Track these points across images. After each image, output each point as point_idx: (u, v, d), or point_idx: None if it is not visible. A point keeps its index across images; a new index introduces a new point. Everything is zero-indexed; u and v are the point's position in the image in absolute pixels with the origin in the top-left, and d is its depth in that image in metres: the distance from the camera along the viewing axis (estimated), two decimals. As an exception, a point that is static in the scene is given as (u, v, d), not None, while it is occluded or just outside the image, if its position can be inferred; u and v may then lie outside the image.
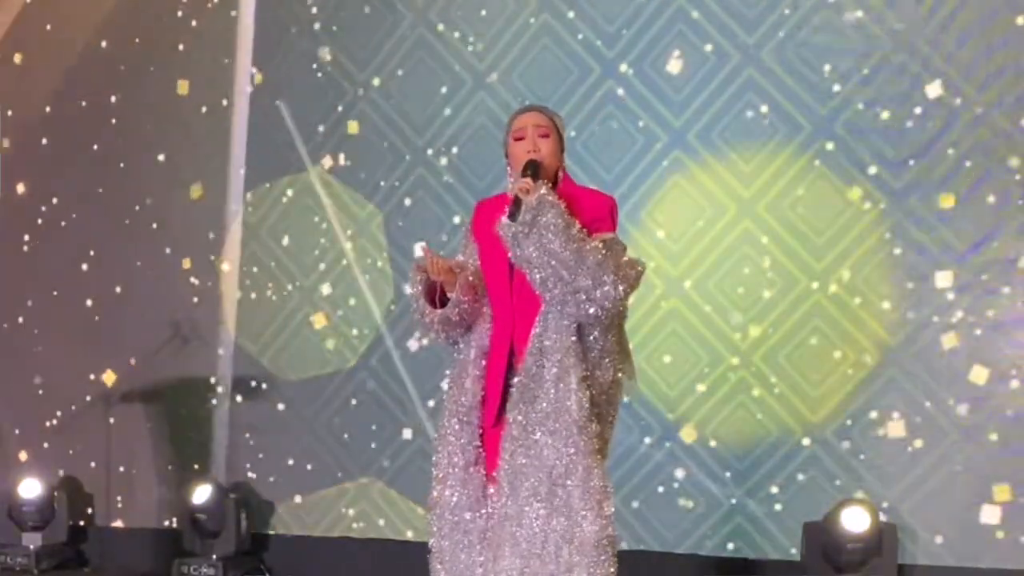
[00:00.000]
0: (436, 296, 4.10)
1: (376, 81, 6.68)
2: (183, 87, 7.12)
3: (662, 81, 6.14)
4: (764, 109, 5.95)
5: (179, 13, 7.14)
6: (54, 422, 7.41)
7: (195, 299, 7.05)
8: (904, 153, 5.74)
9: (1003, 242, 5.59)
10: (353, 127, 6.73)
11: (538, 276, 3.86)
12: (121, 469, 7.21)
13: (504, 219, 3.87)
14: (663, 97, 6.13)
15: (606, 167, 6.19)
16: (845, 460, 5.79)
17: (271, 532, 6.86)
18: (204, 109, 7.06)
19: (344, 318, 6.74)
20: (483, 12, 6.46)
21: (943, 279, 5.66)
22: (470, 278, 4.07)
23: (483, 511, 4.03)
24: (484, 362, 4.07)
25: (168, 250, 7.15)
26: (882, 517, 5.60)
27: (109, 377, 7.25)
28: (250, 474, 6.91)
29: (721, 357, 6.01)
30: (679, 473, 6.05)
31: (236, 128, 6.99)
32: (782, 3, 5.93)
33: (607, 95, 6.22)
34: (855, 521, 5.48)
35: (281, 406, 6.87)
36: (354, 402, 6.71)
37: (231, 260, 7.00)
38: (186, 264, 7.08)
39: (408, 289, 4.21)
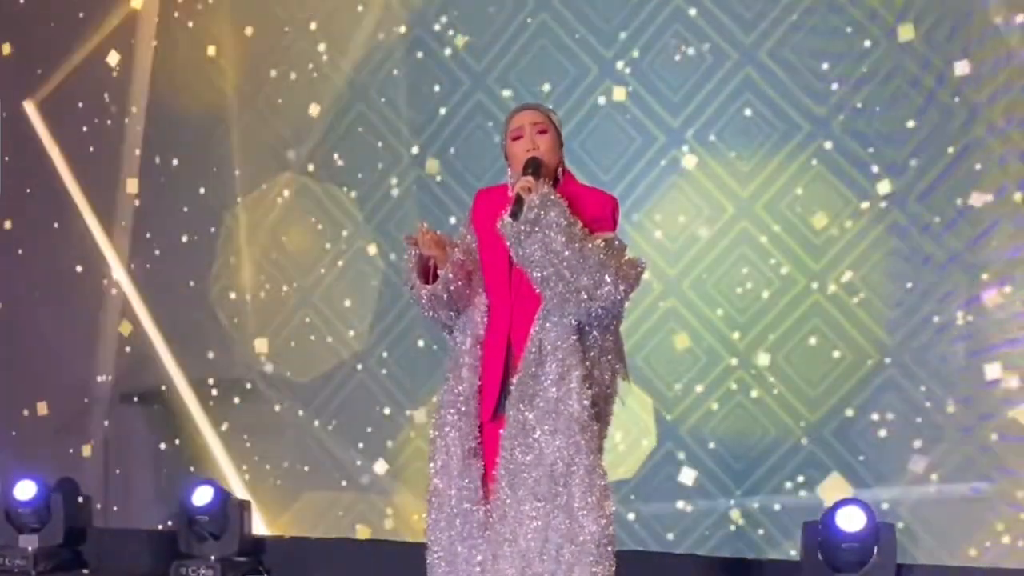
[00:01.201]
0: (429, 274, 4.10)
1: (372, 81, 6.66)
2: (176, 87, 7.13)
3: (659, 81, 6.12)
4: (762, 108, 5.94)
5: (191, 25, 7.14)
6: (51, 423, 7.39)
7: (190, 302, 7.03)
8: (903, 152, 5.72)
9: (1001, 240, 5.58)
10: (349, 127, 6.71)
11: (539, 275, 3.86)
12: (119, 471, 7.20)
13: (506, 218, 3.86)
14: (661, 97, 6.12)
15: (604, 167, 6.18)
16: (844, 460, 5.78)
17: (269, 534, 6.84)
18: (199, 112, 7.05)
19: (341, 319, 6.72)
20: (480, 12, 6.44)
21: (942, 278, 5.66)
22: (460, 256, 4.06)
23: (482, 503, 4.01)
24: (480, 351, 4.06)
25: (157, 252, 7.13)
26: (881, 517, 5.59)
27: (104, 379, 7.24)
28: (248, 476, 6.90)
29: (720, 357, 6.00)
30: (678, 473, 6.04)
31: (232, 131, 6.98)
32: (780, 2, 5.91)
33: (605, 95, 6.20)
34: (850, 521, 5.47)
35: (279, 407, 6.85)
36: (352, 403, 6.69)
37: (227, 262, 6.99)
38: (181, 266, 7.07)
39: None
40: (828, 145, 5.83)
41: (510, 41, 6.38)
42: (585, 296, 3.84)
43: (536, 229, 3.82)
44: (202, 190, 7.04)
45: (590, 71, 6.23)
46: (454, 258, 4.06)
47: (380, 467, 6.62)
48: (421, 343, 6.52)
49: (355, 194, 6.69)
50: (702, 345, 6.03)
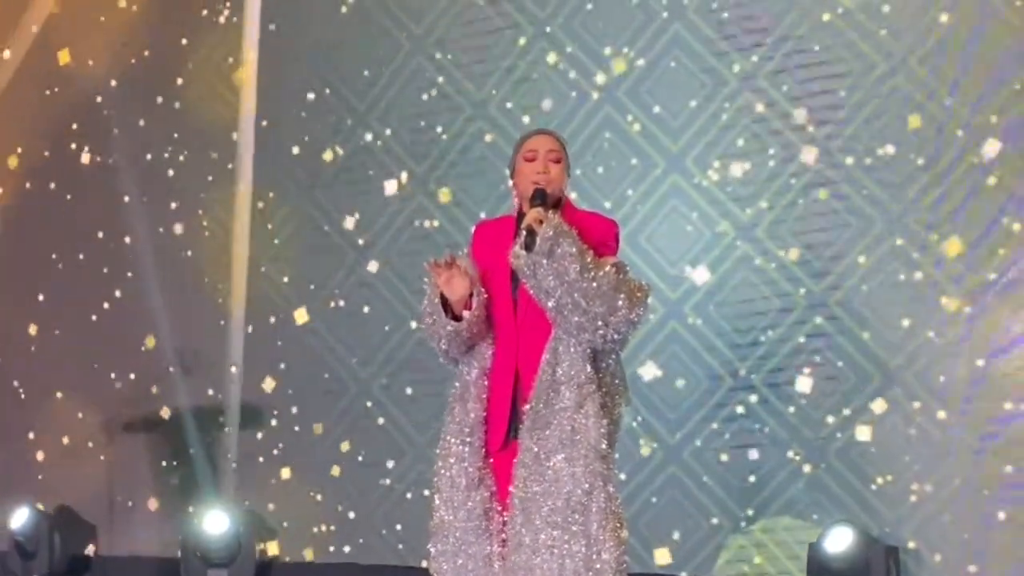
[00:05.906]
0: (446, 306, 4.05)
1: (373, 109, 6.70)
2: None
3: (659, 106, 6.16)
4: (761, 132, 5.98)
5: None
6: (55, 451, 7.40)
7: (199, 327, 7.05)
8: (903, 173, 5.76)
9: (998, 261, 5.60)
10: (350, 155, 6.75)
11: (554, 304, 3.87)
12: (123, 498, 7.20)
13: (519, 250, 3.88)
14: (660, 122, 6.16)
15: (604, 193, 6.21)
16: (848, 481, 5.80)
17: (276, 559, 6.84)
18: (213, 137, 7.08)
19: (347, 346, 6.74)
20: (479, 39, 6.48)
21: (943, 299, 5.68)
22: (485, 294, 4.04)
23: (487, 535, 4.02)
24: (486, 382, 4.07)
25: (170, 278, 7.16)
26: (884, 539, 5.61)
27: (115, 406, 7.27)
28: (254, 502, 6.89)
29: (722, 379, 6.02)
30: (682, 496, 6.06)
31: (242, 156, 7.02)
32: (779, 27, 5.95)
33: (605, 120, 6.24)
34: (839, 542, 5.52)
35: (286, 434, 6.86)
36: (359, 430, 6.70)
37: (236, 288, 7.01)
38: (190, 291, 7.09)
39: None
40: (829, 169, 5.86)
41: (510, 68, 6.42)
42: (600, 323, 3.87)
43: (550, 260, 3.84)
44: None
45: (590, 97, 6.27)
46: (482, 296, 4.03)
47: (387, 492, 6.61)
48: (421, 375, 6.53)
49: (361, 221, 6.71)
50: (704, 367, 6.05)
